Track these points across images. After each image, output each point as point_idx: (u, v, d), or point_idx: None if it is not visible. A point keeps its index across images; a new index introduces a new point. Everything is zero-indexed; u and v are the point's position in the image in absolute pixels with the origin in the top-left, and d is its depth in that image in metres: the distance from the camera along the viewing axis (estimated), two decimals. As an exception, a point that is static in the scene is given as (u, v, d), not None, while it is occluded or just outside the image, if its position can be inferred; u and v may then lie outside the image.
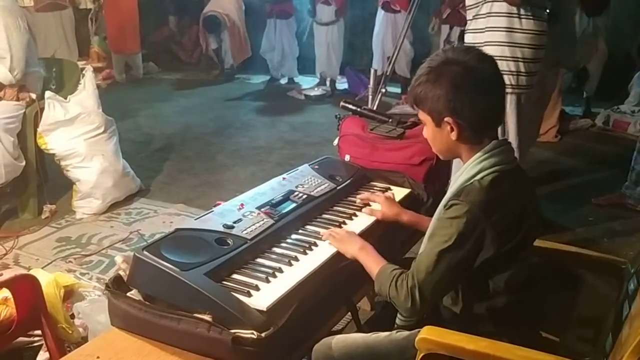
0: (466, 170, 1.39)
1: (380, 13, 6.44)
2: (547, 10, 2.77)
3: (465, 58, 1.35)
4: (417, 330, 1.35)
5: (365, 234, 1.68)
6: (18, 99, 3.36)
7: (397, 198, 1.99)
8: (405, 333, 1.43)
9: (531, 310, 1.50)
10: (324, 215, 1.82)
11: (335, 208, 1.87)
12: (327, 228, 1.73)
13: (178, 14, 8.98)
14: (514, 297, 1.40)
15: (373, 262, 1.47)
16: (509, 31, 2.71)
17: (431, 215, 1.78)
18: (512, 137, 2.81)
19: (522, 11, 2.70)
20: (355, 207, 1.88)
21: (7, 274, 1.77)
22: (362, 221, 1.79)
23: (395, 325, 1.50)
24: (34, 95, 3.44)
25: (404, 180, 2.13)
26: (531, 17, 2.71)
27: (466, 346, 1.28)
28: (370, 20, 6.94)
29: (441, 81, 1.35)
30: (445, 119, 1.37)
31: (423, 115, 1.42)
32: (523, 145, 2.91)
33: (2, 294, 1.83)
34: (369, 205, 1.85)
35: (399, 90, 6.61)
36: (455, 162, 2.79)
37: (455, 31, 5.96)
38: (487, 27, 2.76)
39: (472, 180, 1.36)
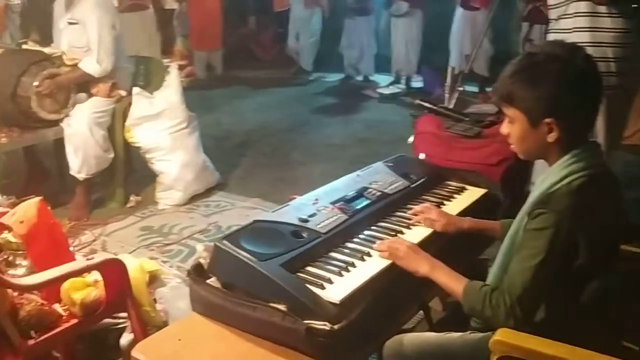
0: (552, 173, 1.34)
1: (459, 11, 6.31)
2: (636, 4, 2.62)
3: (571, 56, 1.30)
4: (491, 332, 1.33)
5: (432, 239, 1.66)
6: (110, 96, 3.57)
7: (473, 198, 1.96)
8: (479, 335, 1.41)
9: (614, 318, 1.44)
10: (397, 213, 1.82)
11: (408, 206, 1.87)
12: (400, 225, 1.73)
13: (257, 13, 9.19)
14: (598, 304, 1.35)
15: (451, 281, 1.42)
16: (596, 31, 2.60)
17: (508, 218, 1.75)
18: (601, 139, 2.69)
19: (607, 9, 2.57)
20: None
21: (97, 258, 1.89)
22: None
23: (470, 327, 1.48)
24: (123, 93, 3.65)
25: (480, 180, 2.10)
26: (617, 15, 2.58)
27: (545, 351, 1.23)
28: (447, 19, 6.81)
29: (544, 79, 1.30)
30: (546, 120, 1.31)
31: (514, 113, 1.36)
32: (610, 148, 2.78)
33: (92, 276, 1.96)
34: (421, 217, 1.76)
35: (476, 89, 6.44)
36: (539, 163, 2.72)
37: (535, 29, 5.73)
38: (574, 28, 2.65)
39: (559, 185, 1.30)
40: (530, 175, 2.34)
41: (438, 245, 1.65)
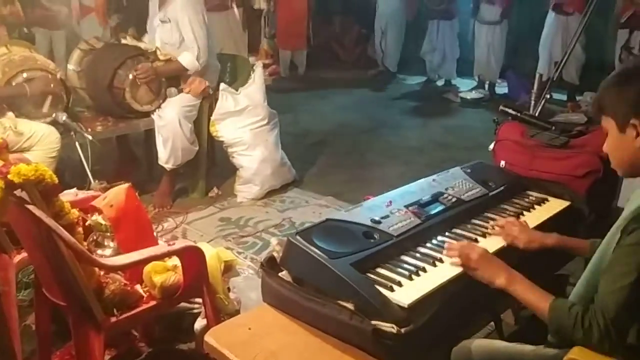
0: None
1: (551, 15, 6.06)
2: None
3: None
4: (567, 349, 1.27)
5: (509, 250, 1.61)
6: (200, 95, 3.72)
7: (555, 210, 1.89)
8: (555, 350, 1.35)
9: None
10: (473, 221, 1.78)
11: (485, 214, 1.83)
12: (475, 234, 1.70)
13: (342, 14, 9.26)
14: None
15: (533, 296, 1.35)
16: None
17: (591, 234, 1.66)
18: None
19: None
20: (506, 216, 1.82)
21: (178, 244, 1.98)
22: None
23: (545, 342, 1.42)
24: (210, 91, 3.79)
25: (564, 192, 2.01)
26: None
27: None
28: (537, 23, 6.55)
29: (631, 82, 1.27)
30: (631, 121, 1.26)
31: (606, 122, 1.33)
32: None
33: (172, 261, 2.05)
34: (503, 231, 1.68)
35: (564, 97, 6.17)
36: (628, 180, 2.56)
37: (637, 36, 5.39)
38: None
39: None
40: (619, 191, 2.22)
41: (515, 256, 1.60)
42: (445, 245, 1.56)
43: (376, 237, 1.57)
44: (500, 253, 1.59)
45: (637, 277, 1.19)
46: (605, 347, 1.21)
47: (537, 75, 3.45)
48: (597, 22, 5.50)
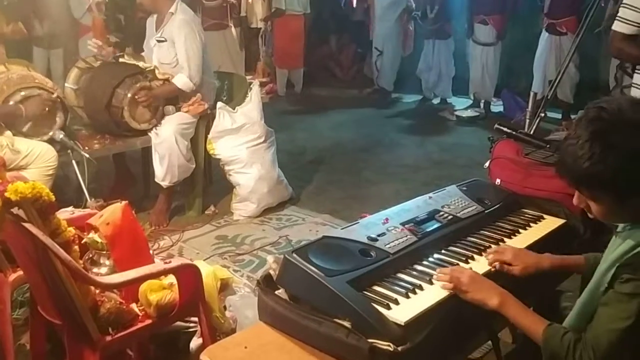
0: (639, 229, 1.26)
1: (545, 35, 6.13)
2: None
3: None
4: None
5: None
6: (198, 115, 3.74)
7: (550, 228, 1.90)
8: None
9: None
10: (469, 238, 1.79)
11: (482, 232, 1.83)
12: (471, 251, 1.70)
13: (338, 33, 9.35)
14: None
15: (526, 319, 1.37)
16: None
17: (587, 251, 1.67)
18: None
19: None
20: (502, 234, 1.83)
21: (174, 262, 1.97)
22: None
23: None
24: (208, 109, 3.80)
25: (560, 209, 2.02)
26: None
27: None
28: (531, 42, 6.63)
29: (635, 160, 1.17)
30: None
31: (597, 194, 1.26)
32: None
33: (168, 279, 2.04)
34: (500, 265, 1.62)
35: (559, 116, 6.22)
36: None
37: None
38: None
39: None
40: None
41: (510, 275, 1.60)
42: (436, 273, 1.53)
43: (373, 254, 1.57)
44: (497, 271, 1.60)
45: (632, 324, 1.20)
46: None
47: (532, 94, 3.47)
48: (590, 42, 5.58)
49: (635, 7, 2.50)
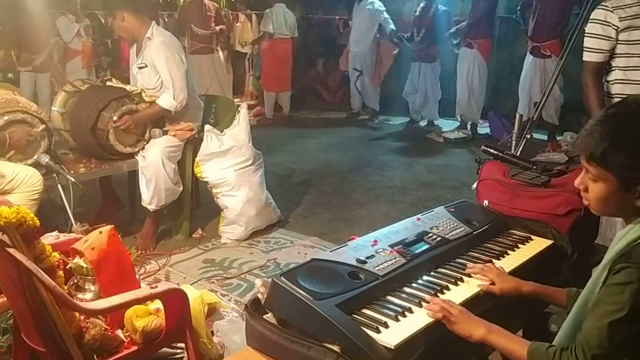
0: (634, 229, 1.27)
1: (529, 58, 6.24)
2: None
3: None
4: None
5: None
6: (185, 139, 3.73)
7: (538, 249, 1.90)
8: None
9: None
10: (458, 260, 1.79)
11: (470, 253, 1.83)
12: (460, 273, 1.70)
13: (325, 56, 9.46)
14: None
15: (510, 343, 1.38)
16: None
17: (575, 272, 1.68)
18: None
19: None
20: (490, 255, 1.83)
21: (160, 287, 1.94)
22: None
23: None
24: (196, 134, 3.79)
25: (547, 230, 2.03)
26: None
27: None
28: (517, 65, 6.75)
29: None
30: (639, 187, 1.25)
31: (602, 173, 1.28)
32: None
33: (155, 304, 2.02)
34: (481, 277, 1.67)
35: (545, 137, 6.30)
36: (605, 217, 2.58)
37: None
38: None
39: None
40: (598, 229, 2.24)
41: (499, 297, 1.60)
42: (427, 302, 1.52)
43: (362, 277, 1.56)
44: (486, 294, 1.59)
45: (625, 315, 1.19)
46: None
47: (518, 116, 3.51)
48: (574, 64, 5.67)
49: (597, 34, 2.57)
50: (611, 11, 2.53)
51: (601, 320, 1.21)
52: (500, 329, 1.42)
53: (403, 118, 7.92)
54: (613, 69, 2.62)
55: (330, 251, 1.72)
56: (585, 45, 2.65)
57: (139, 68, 3.67)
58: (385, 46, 7.70)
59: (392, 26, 7.48)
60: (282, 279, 1.50)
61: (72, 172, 3.29)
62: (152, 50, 3.60)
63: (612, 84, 2.65)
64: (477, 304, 1.53)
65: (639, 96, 1.33)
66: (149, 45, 3.62)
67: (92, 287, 2.05)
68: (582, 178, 1.35)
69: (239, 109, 3.99)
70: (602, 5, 2.58)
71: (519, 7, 6.55)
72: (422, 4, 7.09)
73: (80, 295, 2.04)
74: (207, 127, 3.82)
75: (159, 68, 3.59)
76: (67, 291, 1.87)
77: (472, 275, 1.68)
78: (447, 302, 1.50)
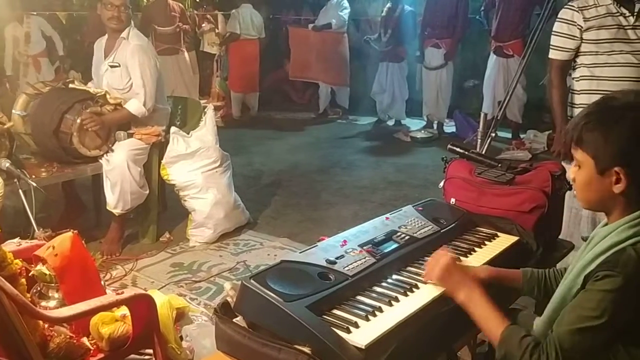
0: (616, 231, 1.27)
1: (492, 57, 6.36)
2: None
3: None
4: None
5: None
6: (151, 142, 3.67)
7: (504, 246, 1.93)
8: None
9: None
10: (426, 258, 1.80)
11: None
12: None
13: (293, 57, 9.44)
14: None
15: (489, 319, 1.36)
16: None
17: (540, 267, 1.70)
18: None
19: None
20: (458, 252, 1.85)
21: (127, 293, 1.91)
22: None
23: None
24: (162, 137, 3.74)
25: (513, 227, 2.06)
26: None
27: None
28: (480, 64, 6.86)
29: (618, 125, 1.25)
30: (615, 168, 1.26)
31: (582, 157, 1.32)
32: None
33: (121, 310, 1.98)
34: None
35: (509, 135, 6.42)
36: (568, 213, 2.64)
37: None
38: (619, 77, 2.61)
39: (623, 245, 1.24)
40: (562, 225, 2.29)
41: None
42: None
43: (332, 277, 1.55)
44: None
45: (604, 322, 1.19)
46: None
47: (482, 115, 3.57)
48: (536, 64, 5.81)
49: (563, 33, 2.65)
50: (577, 11, 2.61)
51: (580, 323, 1.21)
52: (480, 296, 1.40)
53: (371, 118, 7.97)
54: (579, 66, 2.70)
55: (300, 252, 1.71)
56: (551, 43, 2.72)
57: (111, 67, 3.60)
58: (331, 39, 7.77)
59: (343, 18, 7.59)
60: (252, 281, 1.48)
61: (33, 176, 3.21)
62: (127, 51, 3.55)
63: (577, 80, 2.73)
64: (445, 302, 1.53)
65: (627, 90, 1.38)
66: (124, 46, 3.56)
67: (56, 295, 2.00)
68: (572, 169, 1.38)
69: (206, 110, 3.95)
70: (569, 5, 2.66)
71: (482, 8, 6.67)
72: (388, 5, 7.16)
73: (43, 303, 1.99)
74: (173, 129, 3.78)
75: (131, 71, 3.55)
76: (30, 299, 1.81)
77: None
78: (434, 257, 1.56)
